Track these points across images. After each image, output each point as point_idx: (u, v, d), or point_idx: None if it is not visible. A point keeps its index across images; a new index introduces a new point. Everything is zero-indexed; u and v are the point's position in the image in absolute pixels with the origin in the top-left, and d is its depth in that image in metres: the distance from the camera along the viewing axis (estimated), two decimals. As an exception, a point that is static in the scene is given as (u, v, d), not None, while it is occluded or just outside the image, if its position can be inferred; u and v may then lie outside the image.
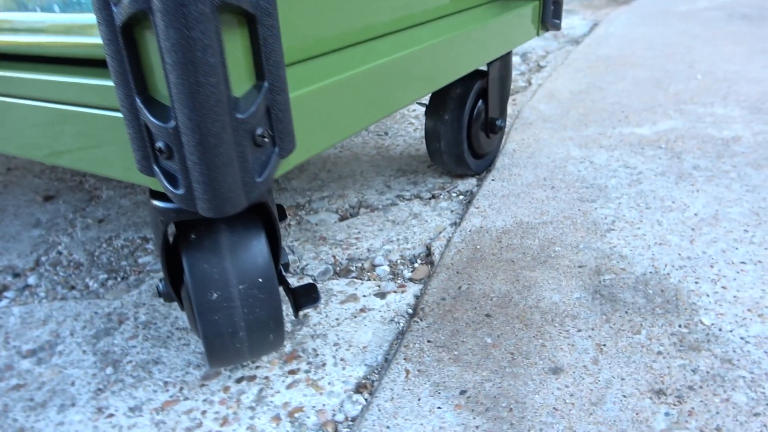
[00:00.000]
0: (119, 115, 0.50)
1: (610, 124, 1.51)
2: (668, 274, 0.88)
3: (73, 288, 1.00)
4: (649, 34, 2.49)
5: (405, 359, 0.76)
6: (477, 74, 1.20)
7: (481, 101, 1.23)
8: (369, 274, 0.97)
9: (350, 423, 0.69)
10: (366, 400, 0.72)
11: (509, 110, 1.70)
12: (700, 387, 0.67)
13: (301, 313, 0.87)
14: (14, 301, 0.97)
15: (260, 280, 0.64)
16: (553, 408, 0.66)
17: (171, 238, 0.67)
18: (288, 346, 0.81)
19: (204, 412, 0.72)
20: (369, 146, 1.52)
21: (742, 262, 0.89)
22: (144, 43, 0.44)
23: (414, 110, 1.79)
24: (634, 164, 1.27)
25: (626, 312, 0.80)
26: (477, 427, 0.65)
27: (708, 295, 0.82)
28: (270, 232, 0.68)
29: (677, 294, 0.83)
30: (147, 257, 1.07)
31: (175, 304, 0.93)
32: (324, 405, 0.71)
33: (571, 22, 2.91)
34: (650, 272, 0.88)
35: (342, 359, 0.78)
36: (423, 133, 1.58)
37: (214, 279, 0.62)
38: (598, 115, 1.58)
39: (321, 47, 0.64)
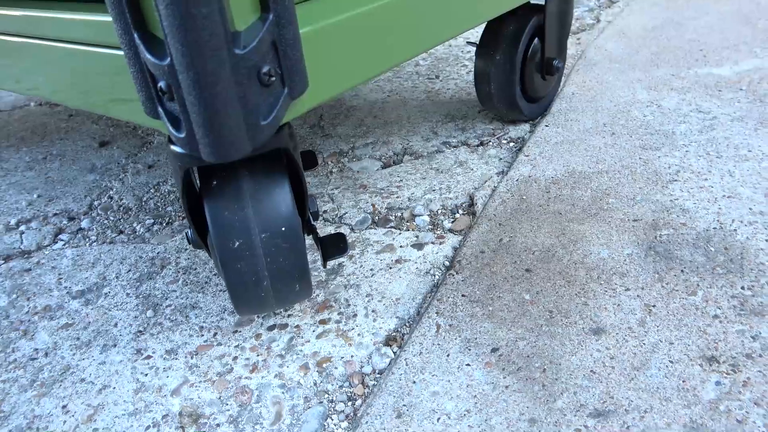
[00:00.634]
0: (121, 53, 0.48)
1: (685, 64, 1.37)
2: (735, 230, 0.79)
3: (121, 232, 1.03)
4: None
5: (437, 313, 0.73)
6: (533, 8, 1.10)
7: (537, 39, 1.14)
8: (408, 224, 0.94)
9: (377, 376, 0.67)
10: (395, 353, 0.70)
11: (572, 50, 1.58)
12: (760, 356, 0.61)
13: (329, 263, 0.86)
14: (68, 243, 1.01)
15: (283, 228, 0.62)
16: (591, 371, 0.62)
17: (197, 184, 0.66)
18: (321, 296, 0.80)
19: (235, 358, 0.72)
20: (418, 90, 1.46)
21: (825, 219, 0.79)
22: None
23: (468, 51, 1.70)
24: (708, 108, 1.14)
25: (682, 271, 0.73)
26: (506, 387, 0.62)
27: (780, 255, 0.74)
28: (295, 179, 0.65)
29: (743, 252, 0.75)
30: (191, 203, 1.09)
31: (215, 251, 0.94)
32: (352, 356, 0.70)
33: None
34: (714, 228, 0.80)
35: (373, 311, 0.77)
36: (476, 76, 1.49)
37: (236, 227, 0.61)
38: (672, 54, 1.43)
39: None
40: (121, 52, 0.49)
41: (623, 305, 0.70)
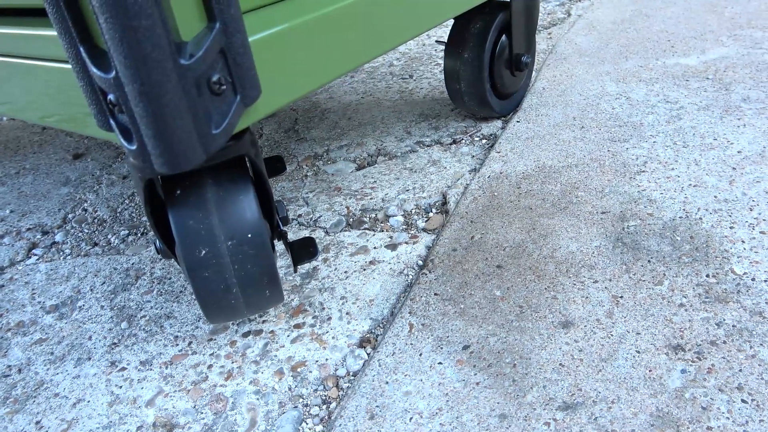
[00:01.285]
0: (69, 66, 0.48)
1: (653, 55, 1.39)
2: (700, 218, 0.81)
3: (96, 244, 1.02)
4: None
5: (410, 313, 0.74)
6: (499, 5, 1.11)
7: (504, 36, 1.15)
8: (382, 225, 0.95)
9: (351, 378, 0.68)
10: (369, 354, 0.70)
11: (543, 44, 1.59)
12: (724, 342, 0.62)
13: (303, 267, 0.86)
14: (42, 258, 1.00)
15: (249, 235, 0.62)
16: (560, 364, 0.63)
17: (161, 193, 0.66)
18: (295, 300, 0.80)
19: (210, 366, 0.72)
20: (392, 90, 1.46)
21: (788, 204, 0.81)
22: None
23: (441, 50, 1.70)
24: (676, 98, 1.16)
25: (649, 261, 0.75)
26: (477, 383, 0.62)
27: (743, 242, 0.75)
28: (260, 185, 0.66)
29: (708, 240, 0.76)
30: (165, 212, 1.08)
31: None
32: (327, 359, 0.71)
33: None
34: (680, 217, 0.82)
35: (348, 313, 0.77)
36: (449, 74, 1.50)
37: (201, 235, 0.61)
38: (641, 46, 1.45)
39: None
40: (70, 66, 0.49)
41: (591, 297, 0.71)
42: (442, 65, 1.57)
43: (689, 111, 1.10)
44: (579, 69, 1.37)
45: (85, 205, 1.16)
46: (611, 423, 0.56)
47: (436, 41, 1.41)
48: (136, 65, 0.37)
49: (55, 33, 0.50)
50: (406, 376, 0.65)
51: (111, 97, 0.42)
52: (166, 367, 0.73)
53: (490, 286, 0.75)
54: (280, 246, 0.92)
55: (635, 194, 0.88)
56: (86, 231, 1.07)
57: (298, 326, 0.76)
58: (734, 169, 0.90)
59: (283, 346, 0.74)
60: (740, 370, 0.59)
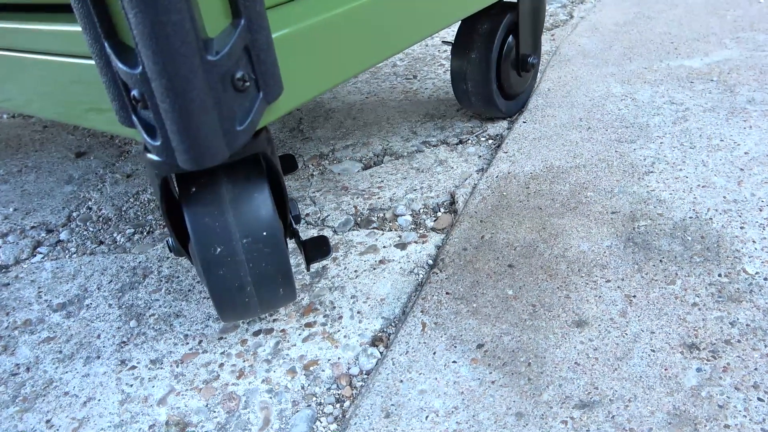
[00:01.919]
0: (93, 63, 0.48)
1: (657, 57, 1.39)
2: (710, 218, 0.81)
3: (101, 243, 1.01)
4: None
5: (422, 312, 0.74)
6: (506, 6, 1.11)
7: (511, 36, 1.15)
8: (390, 224, 0.95)
9: (365, 377, 0.68)
10: (381, 353, 0.70)
11: (546, 46, 1.59)
12: (738, 341, 0.62)
13: (313, 266, 0.86)
14: (47, 256, 1.00)
15: (264, 233, 0.62)
16: (575, 363, 0.63)
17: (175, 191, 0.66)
18: (305, 299, 0.80)
19: (221, 365, 0.72)
20: (397, 91, 1.46)
21: (797, 205, 0.81)
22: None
23: (445, 51, 1.71)
24: (681, 100, 1.17)
25: (660, 261, 0.75)
26: (493, 382, 0.62)
27: (754, 242, 0.76)
28: (274, 183, 0.65)
29: (719, 240, 0.77)
30: (171, 211, 1.08)
31: (197, 258, 0.93)
32: (339, 358, 0.70)
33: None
34: (690, 217, 0.82)
35: (359, 312, 0.77)
36: (453, 74, 1.50)
37: (217, 233, 0.60)
38: (644, 48, 1.46)
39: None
40: (93, 62, 0.48)
41: (604, 297, 0.71)
42: (448, 65, 1.58)
43: (695, 112, 1.11)
44: (583, 70, 1.38)
45: (90, 203, 1.15)
46: (629, 421, 0.56)
47: (442, 41, 1.41)
48: (164, 61, 0.37)
49: (72, 28, 0.50)
50: (420, 374, 0.65)
51: (135, 92, 0.42)
52: (177, 366, 0.73)
53: (502, 285, 0.75)
54: (290, 244, 0.92)
55: (644, 194, 0.88)
56: (91, 229, 1.06)
57: (309, 325, 0.76)
58: (742, 170, 0.90)
59: (295, 345, 0.73)
60: (756, 369, 0.59)
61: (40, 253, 1.01)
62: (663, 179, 0.92)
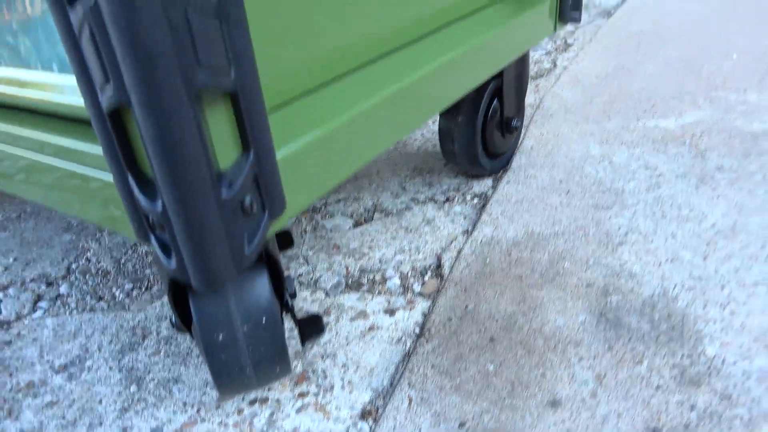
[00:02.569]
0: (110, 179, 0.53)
1: (635, 115, 1.47)
2: (676, 296, 0.87)
3: (101, 298, 1.05)
4: (686, 6, 2.36)
5: (409, 385, 0.79)
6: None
7: (496, 100, 1.22)
8: (380, 287, 1.00)
9: (354, 450, 0.72)
10: (370, 427, 0.75)
11: (530, 98, 1.66)
12: (696, 426, 0.68)
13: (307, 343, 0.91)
14: (48, 311, 1.03)
15: (264, 319, 0.67)
16: (548, 444, 0.68)
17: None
18: (299, 367, 0.85)
19: (219, 435, 0.76)
20: (386, 141, 1.52)
21: (755, 283, 0.88)
22: (132, 128, 0.46)
23: (434, 97, 1.77)
24: (655, 164, 1.24)
25: (629, 339, 0.81)
26: (473, 462, 0.68)
27: (715, 322, 0.82)
28: (272, 266, 0.70)
29: (684, 319, 0.83)
30: (169, 266, 1.12)
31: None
32: (330, 431, 0.75)
33: (604, -13, 2.77)
34: (658, 293, 0.88)
35: (349, 382, 0.82)
36: (441, 125, 1.56)
37: (220, 320, 0.65)
38: (623, 104, 1.53)
39: (306, 82, 0.64)
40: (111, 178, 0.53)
41: (577, 376, 0.76)
42: (436, 117, 1.64)
43: (668, 179, 1.18)
44: (564, 127, 1.44)
45: (88, 254, 1.19)
46: (595, 506, 0.61)
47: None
48: (184, 199, 0.42)
49: (95, 150, 0.55)
50: (406, 452, 0.70)
51: (153, 218, 0.47)
52: (177, 435, 0.77)
53: (483, 360, 0.81)
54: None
55: (617, 267, 0.95)
56: (90, 283, 1.10)
57: (302, 395, 0.81)
58: (708, 244, 0.97)
59: (289, 416, 0.78)
60: (711, 455, 0.65)
61: (41, 308, 1.05)
62: (635, 251, 0.98)
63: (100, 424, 0.80)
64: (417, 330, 0.90)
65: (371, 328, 0.91)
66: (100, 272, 1.13)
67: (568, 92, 1.64)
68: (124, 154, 0.48)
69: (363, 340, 0.89)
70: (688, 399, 0.71)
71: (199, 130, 0.44)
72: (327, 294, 1.00)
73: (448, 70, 0.85)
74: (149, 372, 0.88)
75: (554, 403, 0.73)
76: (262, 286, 0.67)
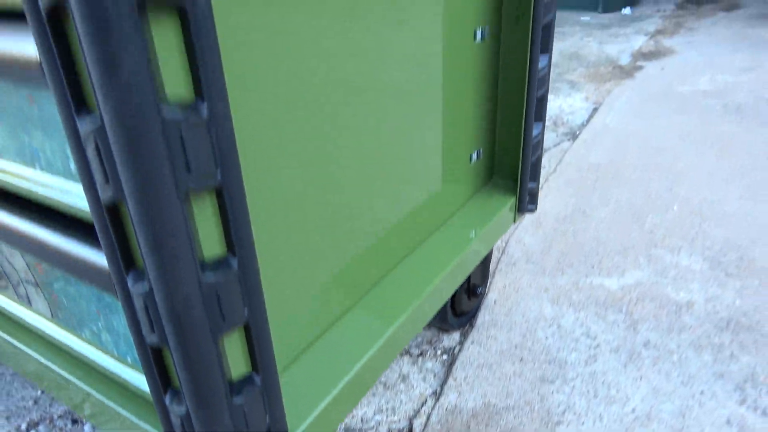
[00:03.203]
0: None
1: (584, 271, 1.72)
2: (596, 486, 1.10)
3: (121, 442, 1.23)
4: (642, 131, 2.66)
5: None
6: (463, 258, 1.41)
7: (467, 273, 1.44)
8: (360, 450, 1.20)
9: None
10: None
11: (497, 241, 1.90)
12: None
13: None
14: (75, 453, 1.21)
15: None
16: None
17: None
18: None
19: None
20: (371, 277, 1.74)
21: (658, 476, 1.11)
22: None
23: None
24: (595, 333, 1.48)
25: None
26: None
27: None
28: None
29: None
30: None
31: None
32: None
33: (573, 103, 3.07)
34: (582, 482, 1.11)
35: None
36: (419, 263, 1.79)
37: None
38: (576, 257, 1.78)
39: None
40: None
41: None
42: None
43: (603, 350, 1.42)
44: (525, 279, 1.68)
45: (108, 389, 1.37)
46: None
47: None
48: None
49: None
50: None
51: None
52: None
53: None
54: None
55: (553, 450, 1.17)
56: (111, 423, 1.28)
57: None
58: (626, 431, 1.21)
59: None
60: None
61: (69, 448, 1.22)
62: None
63: None
64: (389, 500, 1.10)
65: (352, 496, 1.11)
66: (119, 411, 1.31)
67: (530, 238, 1.89)
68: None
69: (345, 508, 1.09)
70: None
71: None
72: (316, 454, 1.20)
73: (429, 298, 1.07)
74: None
75: None
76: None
